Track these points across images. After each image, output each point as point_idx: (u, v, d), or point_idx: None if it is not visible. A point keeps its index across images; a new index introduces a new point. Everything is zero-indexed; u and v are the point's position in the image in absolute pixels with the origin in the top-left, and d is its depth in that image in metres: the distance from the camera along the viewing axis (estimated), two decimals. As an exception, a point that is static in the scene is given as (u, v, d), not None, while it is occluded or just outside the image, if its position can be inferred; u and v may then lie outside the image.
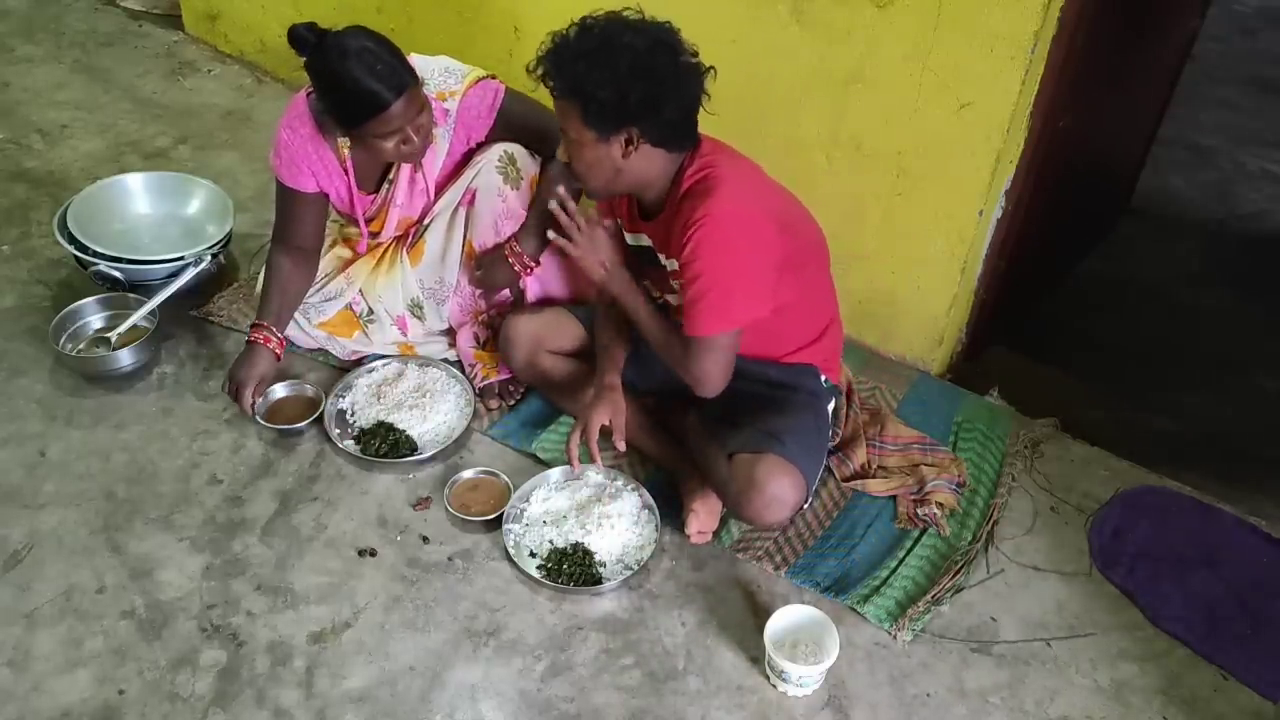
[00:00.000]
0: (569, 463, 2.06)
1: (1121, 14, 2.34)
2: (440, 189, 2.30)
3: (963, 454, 2.29)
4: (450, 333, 2.45)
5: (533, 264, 2.25)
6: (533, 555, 2.02)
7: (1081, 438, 2.40)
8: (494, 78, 2.23)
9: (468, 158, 2.29)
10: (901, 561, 2.06)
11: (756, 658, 1.87)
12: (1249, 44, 4.68)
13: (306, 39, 1.96)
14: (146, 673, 1.79)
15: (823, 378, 2.07)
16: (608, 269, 2.00)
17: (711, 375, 1.90)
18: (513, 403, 2.35)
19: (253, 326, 2.24)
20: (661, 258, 1.97)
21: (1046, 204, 2.47)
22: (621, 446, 2.05)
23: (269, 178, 3.02)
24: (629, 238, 2.04)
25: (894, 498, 2.19)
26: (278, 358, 2.25)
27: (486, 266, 2.27)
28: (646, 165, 1.82)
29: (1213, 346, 2.91)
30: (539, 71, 1.78)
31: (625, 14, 1.76)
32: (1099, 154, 2.90)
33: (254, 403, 2.21)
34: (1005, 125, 2.15)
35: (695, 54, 1.77)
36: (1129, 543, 2.15)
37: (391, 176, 2.24)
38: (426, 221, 2.32)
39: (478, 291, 2.35)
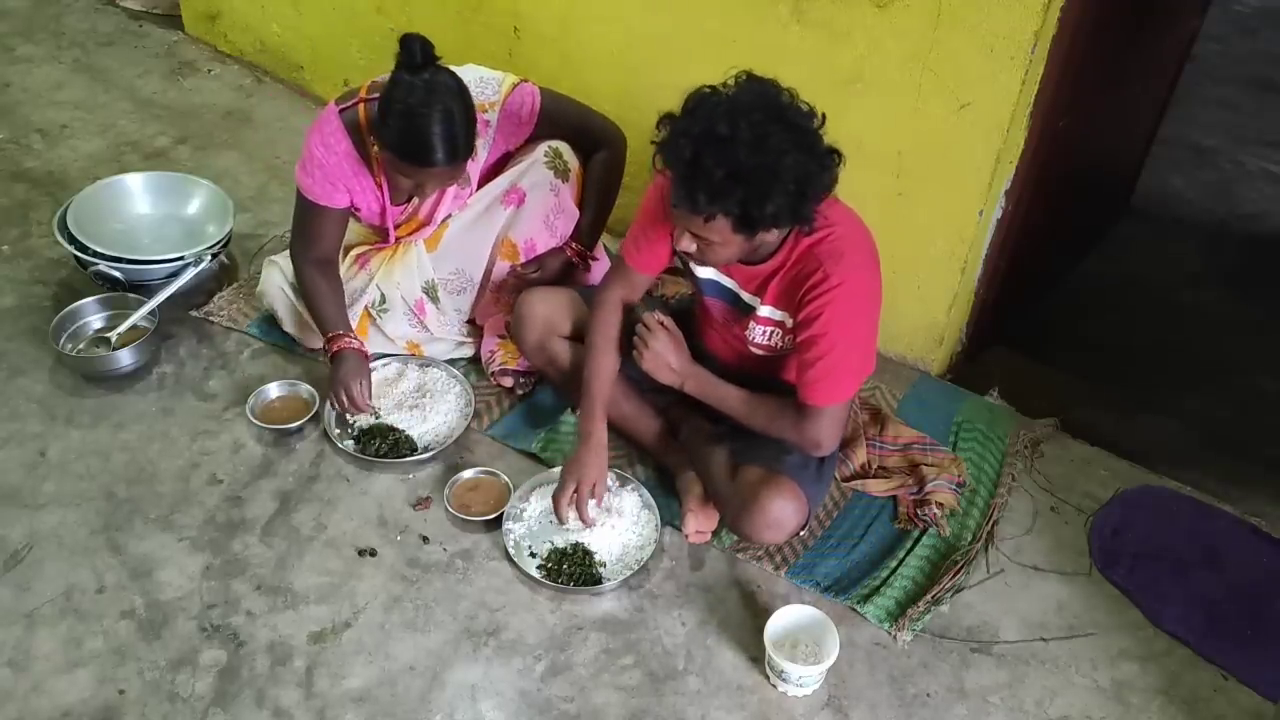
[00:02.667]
0: (559, 519, 2.01)
1: (1121, 14, 2.34)
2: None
3: (963, 454, 2.29)
4: (466, 325, 2.46)
5: (594, 257, 2.35)
6: (533, 555, 2.02)
7: (1081, 438, 2.40)
8: (526, 81, 2.26)
9: (504, 158, 2.33)
10: (901, 561, 2.05)
11: (756, 658, 1.87)
12: (1249, 44, 4.68)
13: (414, 55, 1.93)
14: (146, 673, 1.79)
15: None
16: (677, 370, 1.98)
17: (830, 439, 1.88)
18: (521, 392, 2.36)
19: (328, 340, 2.23)
20: (749, 299, 1.93)
21: (1046, 204, 2.47)
22: (596, 513, 2.03)
23: (269, 178, 3.05)
24: (704, 271, 1.97)
25: (894, 498, 2.19)
26: (365, 355, 2.26)
27: (545, 266, 2.32)
28: (771, 237, 1.79)
29: (1213, 346, 2.91)
30: (683, 192, 1.66)
31: (738, 96, 1.64)
32: (1099, 154, 2.90)
33: (368, 401, 2.22)
34: (1005, 125, 2.15)
35: (811, 111, 1.68)
36: (1129, 543, 2.15)
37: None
38: (454, 212, 2.33)
39: (512, 286, 2.36)
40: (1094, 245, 3.23)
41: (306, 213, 2.23)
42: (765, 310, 1.92)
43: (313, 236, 2.25)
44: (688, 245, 1.77)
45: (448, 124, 1.95)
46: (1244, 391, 2.74)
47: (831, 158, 1.70)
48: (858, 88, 2.29)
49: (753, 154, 1.60)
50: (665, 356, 1.97)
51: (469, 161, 2.22)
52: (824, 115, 1.70)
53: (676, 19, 2.51)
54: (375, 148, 2.10)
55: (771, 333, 1.95)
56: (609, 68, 2.68)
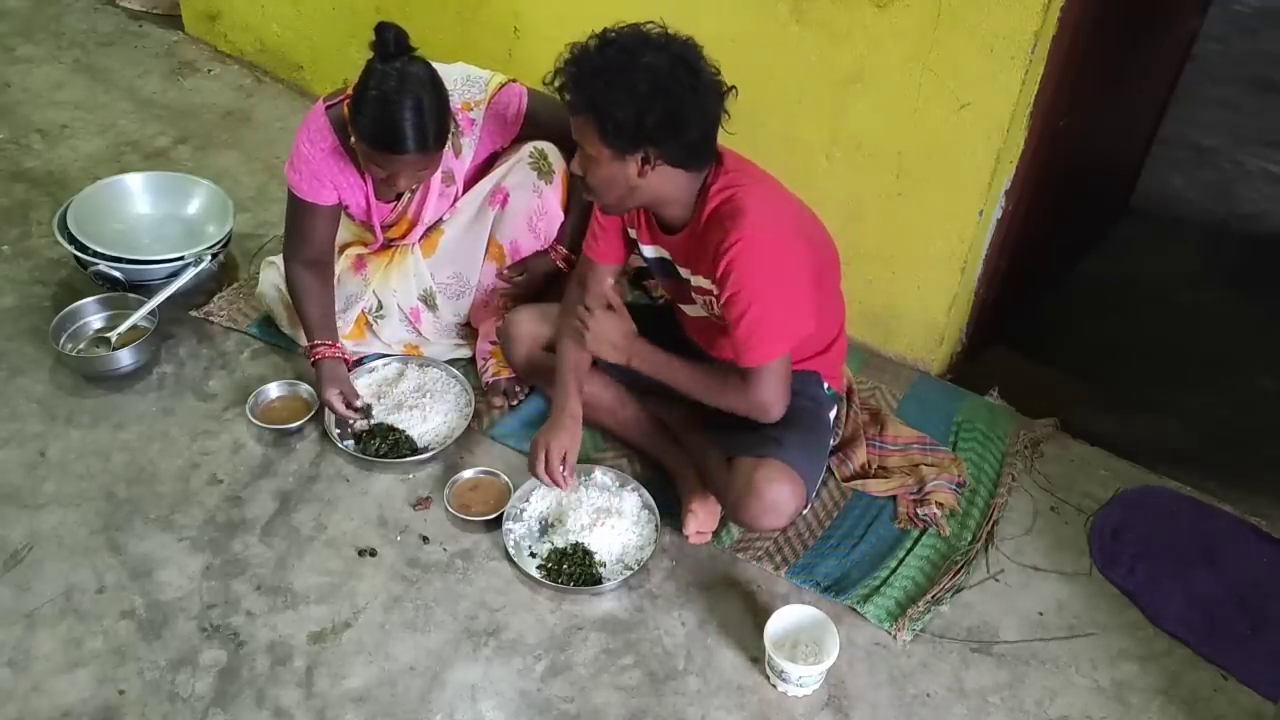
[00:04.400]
0: (553, 485, 2.02)
1: (1121, 14, 2.34)
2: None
3: (963, 454, 2.29)
4: (461, 328, 2.46)
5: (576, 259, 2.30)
6: (533, 555, 2.02)
7: (1081, 438, 2.40)
8: (515, 81, 2.25)
9: (491, 159, 2.31)
10: (901, 561, 2.06)
11: (756, 658, 1.87)
12: (1249, 44, 4.68)
13: (387, 44, 1.96)
14: (146, 673, 1.79)
15: (825, 385, 2.07)
16: (620, 347, 1.96)
17: (775, 401, 1.88)
18: (515, 402, 2.35)
19: (310, 349, 2.23)
20: (684, 271, 1.95)
21: (1046, 204, 2.47)
22: (571, 483, 2.04)
23: (269, 178, 3.05)
24: (648, 249, 2.01)
25: (894, 498, 2.19)
26: (347, 362, 2.26)
27: (530, 270, 2.31)
28: (664, 184, 1.80)
29: (1213, 346, 2.91)
30: (556, 84, 1.75)
31: (648, 28, 1.73)
32: (1099, 154, 2.90)
33: (355, 406, 2.21)
34: (1005, 125, 2.15)
35: (717, 72, 1.74)
36: (1129, 543, 2.15)
37: (414, 187, 2.24)
38: (446, 216, 2.33)
39: (501, 288, 2.35)
40: (1094, 245, 3.23)
41: (297, 211, 2.23)
42: (696, 280, 1.93)
43: (304, 235, 2.24)
44: (576, 166, 1.83)
45: (417, 112, 1.95)
46: (1244, 391, 2.74)
47: (715, 83, 1.73)
48: (858, 88, 2.29)
49: (621, 57, 1.69)
50: (607, 335, 1.96)
51: (455, 160, 2.22)
52: (733, 88, 1.75)
53: (675, 19, 2.48)
54: (353, 139, 2.10)
55: (706, 302, 1.95)
56: (609, 68, 2.68)
